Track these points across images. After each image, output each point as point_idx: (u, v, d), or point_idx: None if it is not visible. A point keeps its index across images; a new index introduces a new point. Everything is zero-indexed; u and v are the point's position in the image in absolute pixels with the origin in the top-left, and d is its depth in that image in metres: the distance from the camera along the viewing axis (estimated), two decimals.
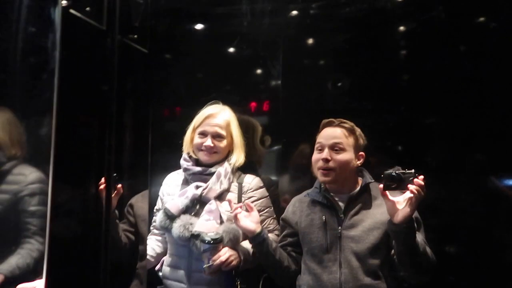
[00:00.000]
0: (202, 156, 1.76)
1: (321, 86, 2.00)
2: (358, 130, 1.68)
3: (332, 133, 1.64)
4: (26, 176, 1.56)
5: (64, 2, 1.51)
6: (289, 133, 2.08)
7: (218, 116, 1.75)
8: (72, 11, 1.55)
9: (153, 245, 1.85)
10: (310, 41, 1.95)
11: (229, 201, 1.67)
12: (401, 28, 1.81)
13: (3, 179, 1.55)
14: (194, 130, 1.79)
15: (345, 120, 1.67)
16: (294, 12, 1.93)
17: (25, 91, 1.55)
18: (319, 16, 1.91)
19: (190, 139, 1.81)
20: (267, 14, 1.97)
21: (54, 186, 1.47)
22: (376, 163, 1.73)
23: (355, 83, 1.91)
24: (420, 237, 1.53)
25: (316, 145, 1.68)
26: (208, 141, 1.73)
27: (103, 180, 1.71)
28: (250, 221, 1.63)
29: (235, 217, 1.61)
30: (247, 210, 1.67)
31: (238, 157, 1.78)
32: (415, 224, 1.50)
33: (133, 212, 1.91)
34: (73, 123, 1.57)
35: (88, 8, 1.61)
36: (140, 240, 1.92)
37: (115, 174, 1.76)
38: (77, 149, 1.63)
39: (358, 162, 1.68)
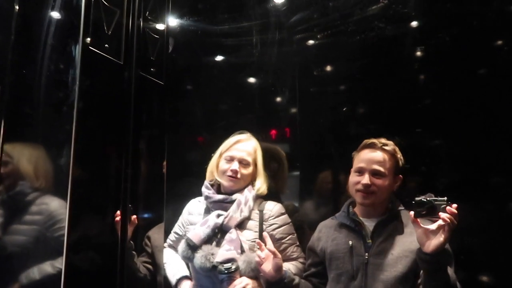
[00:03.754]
0: (226, 182, 1.75)
1: (336, 111, 2.00)
2: (398, 153, 1.63)
3: (374, 158, 1.59)
4: (48, 204, 1.60)
5: (85, 40, 1.60)
6: (307, 159, 2.07)
7: (246, 143, 1.76)
8: (91, 48, 1.64)
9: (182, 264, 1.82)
10: (324, 68, 1.98)
11: (259, 244, 1.61)
12: (411, 53, 1.81)
13: (27, 210, 1.59)
14: (220, 155, 1.80)
15: (387, 142, 1.61)
16: (311, 42, 1.97)
17: (47, 124, 1.62)
18: (330, 45, 1.94)
19: (216, 164, 1.81)
20: (278, 44, 2.02)
21: (71, 215, 1.51)
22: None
23: (369, 108, 1.90)
24: (450, 271, 1.45)
25: (356, 167, 1.63)
26: (235, 165, 1.72)
27: (118, 212, 1.75)
28: (271, 269, 1.58)
29: (258, 262, 1.58)
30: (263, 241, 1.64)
31: (261, 186, 1.77)
32: (447, 257, 1.43)
33: (150, 243, 1.92)
34: (91, 154, 1.62)
35: (107, 45, 1.70)
36: (158, 270, 1.92)
37: (130, 206, 1.80)
38: (94, 180, 1.68)
39: (396, 185, 1.64)
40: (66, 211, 1.54)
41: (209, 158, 1.83)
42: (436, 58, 1.79)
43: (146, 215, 1.89)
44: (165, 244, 1.85)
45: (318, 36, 1.94)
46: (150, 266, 1.89)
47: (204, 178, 1.82)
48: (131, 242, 1.75)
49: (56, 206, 1.58)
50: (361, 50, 1.85)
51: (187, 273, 1.79)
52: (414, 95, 1.83)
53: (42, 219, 1.58)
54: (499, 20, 1.70)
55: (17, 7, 1.76)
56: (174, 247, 1.80)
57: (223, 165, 1.75)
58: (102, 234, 1.67)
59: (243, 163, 1.73)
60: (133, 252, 1.79)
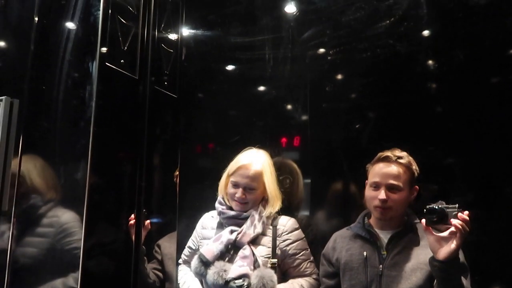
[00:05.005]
0: (235, 206, 1.76)
1: (346, 124, 2.01)
2: (413, 164, 1.59)
3: (389, 172, 1.56)
4: (59, 217, 1.64)
5: (102, 56, 1.65)
6: (319, 171, 2.08)
7: (250, 168, 1.72)
8: (107, 63, 1.69)
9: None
10: (334, 82, 1.99)
11: None
12: (423, 70, 1.81)
13: (40, 223, 1.64)
14: (228, 176, 1.81)
15: (401, 154, 1.58)
16: (323, 57, 1.98)
17: (64, 138, 1.67)
18: (342, 61, 1.95)
19: (225, 184, 1.81)
20: (291, 59, 2.03)
21: (87, 224, 1.56)
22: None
23: (381, 124, 1.91)
24: (465, 282, 1.44)
25: (371, 182, 1.60)
26: (239, 193, 1.73)
27: (133, 216, 1.80)
28: None
29: None
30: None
31: (273, 206, 1.77)
32: (460, 266, 1.43)
33: (161, 251, 1.96)
34: (106, 167, 1.67)
35: (122, 60, 1.74)
36: (167, 278, 1.96)
37: (144, 210, 1.84)
38: (110, 190, 1.72)
39: (413, 196, 1.64)
40: (78, 223, 1.59)
41: (222, 167, 1.84)
42: (448, 75, 1.79)
43: (158, 221, 1.93)
44: (180, 261, 1.86)
45: (330, 52, 1.96)
46: (159, 273, 1.93)
47: (216, 188, 1.84)
48: (143, 247, 1.79)
49: (68, 219, 1.62)
50: (373, 66, 1.86)
51: None
52: (426, 111, 1.83)
53: (53, 231, 1.62)
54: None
55: (36, 19, 1.81)
56: (188, 262, 1.82)
57: (230, 189, 1.75)
58: (117, 240, 1.72)
59: (248, 189, 1.73)
60: (145, 257, 1.83)
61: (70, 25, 1.75)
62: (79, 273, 1.52)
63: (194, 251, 1.77)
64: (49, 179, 1.65)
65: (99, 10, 1.68)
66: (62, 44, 1.72)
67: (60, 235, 1.59)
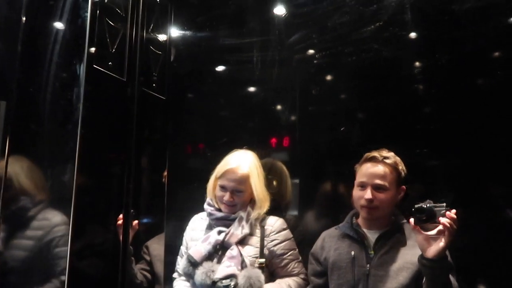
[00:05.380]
0: (224, 208, 1.78)
1: (333, 126, 2.04)
2: (400, 165, 1.62)
3: (375, 172, 1.59)
4: (50, 220, 1.63)
5: (89, 58, 1.65)
6: (307, 173, 2.10)
7: (237, 171, 1.72)
8: (95, 65, 1.69)
9: None
10: (321, 84, 2.02)
11: None
12: (408, 74, 1.85)
13: (29, 225, 1.63)
14: (216, 179, 1.82)
15: (387, 155, 1.61)
16: (309, 61, 2.00)
17: (52, 140, 1.67)
18: (329, 64, 1.98)
19: (213, 187, 1.83)
20: (278, 62, 2.06)
21: (75, 226, 1.56)
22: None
23: (367, 127, 1.94)
24: (452, 279, 1.48)
25: (358, 182, 1.63)
26: (227, 196, 1.74)
27: (121, 216, 1.80)
28: None
29: None
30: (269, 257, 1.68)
31: (261, 207, 1.79)
32: (448, 264, 1.46)
33: (149, 252, 1.97)
34: (94, 169, 1.67)
35: (110, 63, 1.74)
36: (156, 279, 1.97)
37: (132, 211, 1.85)
38: (97, 192, 1.72)
39: (400, 196, 1.66)
40: (68, 225, 1.59)
41: (210, 169, 1.85)
42: (432, 78, 1.83)
43: (147, 222, 1.94)
44: (175, 275, 1.86)
45: (317, 55, 1.98)
46: (148, 274, 1.93)
47: (204, 189, 1.85)
48: (131, 247, 1.80)
49: (58, 222, 1.61)
50: (358, 70, 1.89)
51: None
52: (411, 113, 1.86)
53: (43, 234, 1.61)
54: (495, 41, 1.74)
55: (24, 19, 1.80)
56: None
57: (218, 192, 1.76)
58: (105, 242, 1.72)
59: (235, 192, 1.74)
60: (132, 258, 1.83)
61: (58, 26, 1.75)
62: (66, 274, 1.52)
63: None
64: (38, 181, 1.64)
65: (87, 11, 1.68)
66: (50, 45, 1.72)
67: (50, 237, 1.59)
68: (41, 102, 1.69)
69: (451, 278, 1.45)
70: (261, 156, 1.83)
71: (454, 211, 1.40)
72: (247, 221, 1.72)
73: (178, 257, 1.82)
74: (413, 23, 1.82)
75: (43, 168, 1.64)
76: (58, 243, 1.60)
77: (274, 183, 1.97)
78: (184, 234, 1.84)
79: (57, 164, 1.62)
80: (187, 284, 1.76)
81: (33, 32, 1.77)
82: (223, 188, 1.73)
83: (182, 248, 1.81)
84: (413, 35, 1.85)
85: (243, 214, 1.73)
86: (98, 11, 1.70)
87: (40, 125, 1.67)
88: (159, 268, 1.96)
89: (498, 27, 1.71)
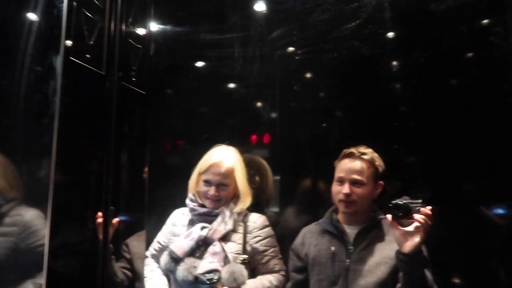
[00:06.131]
0: (208, 203, 1.77)
1: (314, 122, 2.06)
2: (377, 161, 1.66)
3: (352, 167, 1.63)
4: (23, 215, 1.58)
5: (66, 50, 1.59)
6: (288, 169, 2.12)
7: (221, 165, 1.72)
8: (72, 58, 1.63)
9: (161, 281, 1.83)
10: (302, 81, 2.04)
11: None
12: (387, 71, 1.90)
13: (2, 222, 1.57)
14: (199, 175, 1.80)
15: (365, 151, 1.65)
16: (290, 57, 2.01)
17: (26, 135, 1.61)
18: (309, 61, 2.00)
19: (195, 182, 1.81)
20: (259, 57, 2.06)
21: (52, 224, 1.51)
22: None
23: (347, 123, 1.97)
24: (428, 273, 1.52)
25: (337, 177, 1.67)
26: (212, 190, 1.73)
27: (100, 214, 1.76)
28: None
29: None
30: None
31: (244, 202, 1.78)
32: (424, 259, 1.50)
33: (129, 250, 1.93)
34: (72, 164, 1.62)
35: (88, 55, 1.69)
36: (136, 277, 1.94)
37: (112, 208, 1.80)
38: (75, 188, 1.67)
39: (377, 191, 1.70)
40: (42, 220, 1.54)
41: (191, 165, 1.83)
42: (410, 76, 1.88)
43: (127, 219, 1.90)
44: (148, 253, 1.85)
45: (298, 52, 2.00)
46: (128, 272, 1.89)
47: (185, 186, 1.83)
48: (111, 245, 1.76)
49: (31, 217, 1.57)
50: (339, 67, 1.92)
51: None
52: (390, 110, 1.91)
53: (17, 230, 1.57)
54: (472, 40, 1.80)
55: None
56: (157, 257, 1.81)
57: (202, 187, 1.75)
58: (83, 240, 1.67)
59: (220, 186, 1.73)
60: (112, 256, 1.80)
61: (32, 17, 1.68)
62: (44, 273, 1.47)
63: (164, 247, 1.76)
64: (11, 178, 1.59)
65: (63, 2, 1.62)
66: (24, 37, 1.65)
67: (23, 233, 1.54)
68: (15, 95, 1.62)
69: (427, 272, 1.50)
70: (242, 152, 1.83)
71: (429, 207, 1.45)
72: (230, 217, 1.72)
73: (155, 241, 1.82)
74: (392, 21, 1.87)
75: (18, 163, 1.58)
76: (34, 239, 1.56)
77: (256, 178, 1.97)
78: (164, 227, 1.82)
79: (33, 160, 1.57)
80: (156, 266, 1.79)
81: (5, 22, 1.70)
82: (207, 182, 1.72)
83: (161, 237, 1.80)
84: (392, 33, 1.90)
85: (226, 209, 1.73)
86: (74, 2, 1.65)
87: (13, 119, 1.61)
88: (140, 265, 1.92)
89: (474, 27, 1.78)
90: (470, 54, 1.83)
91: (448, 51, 1.81)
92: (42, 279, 1.44)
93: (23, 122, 1.62)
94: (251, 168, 1.93)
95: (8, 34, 1.68)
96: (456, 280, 1.81)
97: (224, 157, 1.74)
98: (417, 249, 1.44)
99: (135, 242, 1.93)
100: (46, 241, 1.48)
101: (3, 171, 1.59)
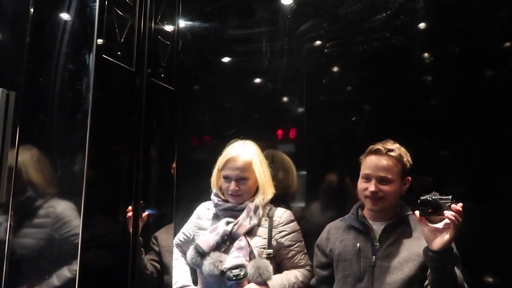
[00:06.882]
0: (230, 199, 1.78)
1: (342, 117, 2.02)
2: (405, 156, 1.62)
3: (379, 164, 1.59)
4: (55, 207, 1.63)
5: (98, 48, 1.64)
6: (314, 163, 2.10)
7: (238, 159, 1.74)
8: (104, 56, 1.68)
9: (185, 272, 1.86)
10: (330, 74, 2.01)
11: None
12: (419, 63, 1.83)
13: (36, 214, 1.64)
14: (219, 171, 1.82)
15: (392, 147, 1.61)
16: (319, 50, 1.98)
17: (60, 131, 1.67)
18: (339, 54, 1.96)
19: (216, 179, 1.83)
20: (287, 52, 2.04)
21: (85, 217, 1.57)
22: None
23: (376, 117, 1.92)
24: (457, 271, 1.48)
25: (363, 174, 1.65)
26: (232, 186, 1.75)
27: (130, 207, 1.81)
28: None
29: None
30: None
31: (266, 193, 1.78)
32: (453, 256, 1.45)
33: (158, 243, 1.98)
34: (104, 160, 1.67)
35: (119, 53, 1.73)
36: (165, 270, 1.98)
37: (141, 202, 1.85)
38: (107, 183, 1.73)
39: (405, 187, 1.66)
40: (74, 211, 1.60)
41: (218, 159, 1.84)
42: (443, 68, 1.81)
43: (156, 213, 1.95)
44: (173, 242, 1.89)
45: (327, 45, 1.96)
46: (157, 265, 1.94)
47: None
48: (140, 238, 1.81)
49: (63, 208, 1.61)
50: (369, 59, 1.87)
51: (188, 282, 1.83)
52: (421, 103, 1.85)
53: (50, 221, 1.62)
54: (508, 31, 1.71)
55: (32, 10, 1.79)
56: (181, 247, 1.85)
57: (223, 183, 1.77)
58: (114, 233, 1.73)
59: (240, 180, 1.74)
60: (142, 249, 1.85)
61: (66, 16, 1.74)
62: (77, 265, 1.53)
63: (189, 239, 1.80)
64: (46, 172, 1.65)
65: (96, 1, 1.67)
66: (58, 36, 1.71)
67: (57, 224, 1.60)
68: (50, 92, 1.69)
69: (456, 270, 1.45)
70: (268, 147, 1.84)
71: (460, 204, 1.40)
72: (255, 211, 1.73)
73: (181, 232, 1.88)
74: (425, 11, 1.80)
75: (52, 158, 1.64)
76: (67, 229, 1.62)
77: (281, 173, 1.97)
78: (190, 220, 1.85)
79: (67, 155, 1.62)
80: (180, 255, 1.84)
81: (41, 22, 1.76)
82: (227, 178, 1.74)
83: (187, 229, 1.82)
84: (424, 24, 1.83)
85: (250, 204, 1.74)
86: (106, 1, 1.69)
87: (49, 116, 1.67)
88: (168, 258, 1.96)
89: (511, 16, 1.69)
90: (507, 45, 1.73)
91: (484, 42, 1.73)
92: (72, 271, 1.50)
93: (58, 118, 1.68)
94: (276, 164, 1.93)
95: (44, 34, 1.75)
96: (489, 279, 1.74)
97: (241, 151, 1.75)
98: (446, 246, 1.40)
99: (163, 236, 1.97)
100: (79, 232, 1.54)
101: (40, 166, 1.65)
